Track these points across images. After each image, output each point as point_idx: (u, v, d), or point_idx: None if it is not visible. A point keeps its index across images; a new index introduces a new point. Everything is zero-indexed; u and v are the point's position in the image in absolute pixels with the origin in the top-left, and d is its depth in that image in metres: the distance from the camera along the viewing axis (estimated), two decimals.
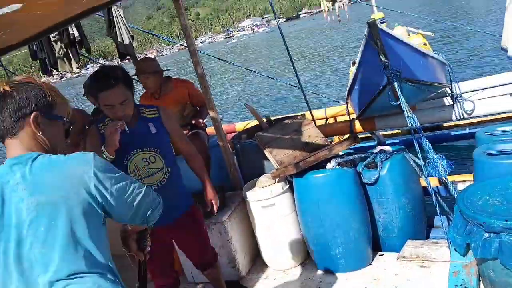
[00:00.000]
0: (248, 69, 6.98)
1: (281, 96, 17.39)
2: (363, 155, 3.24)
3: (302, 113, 4.02)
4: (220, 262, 2.92)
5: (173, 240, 2.68)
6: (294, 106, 14.18)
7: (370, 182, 3.07)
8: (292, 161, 3.19)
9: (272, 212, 3.26)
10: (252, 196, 3.25)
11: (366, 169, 3.12)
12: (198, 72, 3.49)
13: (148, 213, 1.58)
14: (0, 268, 1.35)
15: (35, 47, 5.52)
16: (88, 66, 71.66)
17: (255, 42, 70.61)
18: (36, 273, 1.34)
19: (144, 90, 3.83)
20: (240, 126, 6.93)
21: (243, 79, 25.86)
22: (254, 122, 5.70)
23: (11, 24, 3.22)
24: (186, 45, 3.63)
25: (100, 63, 7.55)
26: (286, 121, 3.69)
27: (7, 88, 1.43)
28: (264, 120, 3.84)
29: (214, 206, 2.67)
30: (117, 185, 1.45)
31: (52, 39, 5.27)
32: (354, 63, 5.11)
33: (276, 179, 3.26)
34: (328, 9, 8.08)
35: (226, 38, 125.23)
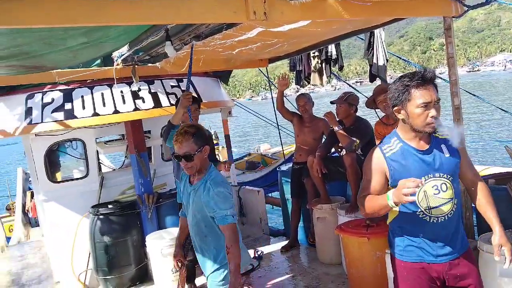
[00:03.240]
0: (502, 109, 6.18)
1: None
2: None
3: None
4: None
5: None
6: None
7: None
8: None
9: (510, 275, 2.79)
10: (490, 249, 2.86)
11: None
12: (455, 103, 3.32)
13: None
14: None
15: (294, 60, 6.23)
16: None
17: (507, 79, 62.17)
18: None
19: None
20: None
21: (489, 118, 23.17)
22: (491, 170, 5.01)
23: (291, 37, 3.72)
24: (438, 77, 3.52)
25: (346, 83, 7.95)
26: None
27: None
28: None
29: (508, 257, 2.10)
30: None
31: (312, 54, 5.84)
32: None
33: None
34: None
35: (470, 71, 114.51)
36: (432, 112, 2.02)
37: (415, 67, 7.20)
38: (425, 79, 2.02)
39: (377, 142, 3.84)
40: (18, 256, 5.80)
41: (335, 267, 4.46)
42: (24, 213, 8.62)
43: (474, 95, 5.93)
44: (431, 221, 2.12)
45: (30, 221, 8.44)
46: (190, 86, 5.20)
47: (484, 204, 2.23)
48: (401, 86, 2.07)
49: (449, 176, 2.12)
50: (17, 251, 6.07)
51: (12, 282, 4.93)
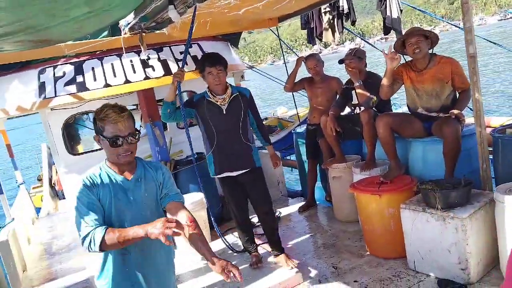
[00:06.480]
0: None
1: None
2: None
3: None
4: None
5: None
6: None
7: None
8: None
9: None
10: (509, 200, 2.79)
11: None
12: (470, 51, 3.15)
13: None
14: None
15: (306, 18, 6.03)
16: (345, 43, 74.16)
17: None
18: None
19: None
20: (497, 121, 6.05)
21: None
22: None
23: None
24: (452, 24, 3.33)
25: (364, 39, 7.67)
26: None
27: None
28: None
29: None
30: None
31: (323, 10, 5.64)
32: None
33: None
34: None
35: (501, 20, 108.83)
36: None
37: (436, 18, 6.83)
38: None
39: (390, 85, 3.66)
40: (48, 227, 6.06)
41: (352, 224, 4.48)
42: (51, 186, 8.96)
43: (491, 42, 5.64)
44: None
45: (58, 194, 8.77)
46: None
47: None
48: None
49: None
50: (47, 223, 6.35)
51: (44, 251, 5.17)
